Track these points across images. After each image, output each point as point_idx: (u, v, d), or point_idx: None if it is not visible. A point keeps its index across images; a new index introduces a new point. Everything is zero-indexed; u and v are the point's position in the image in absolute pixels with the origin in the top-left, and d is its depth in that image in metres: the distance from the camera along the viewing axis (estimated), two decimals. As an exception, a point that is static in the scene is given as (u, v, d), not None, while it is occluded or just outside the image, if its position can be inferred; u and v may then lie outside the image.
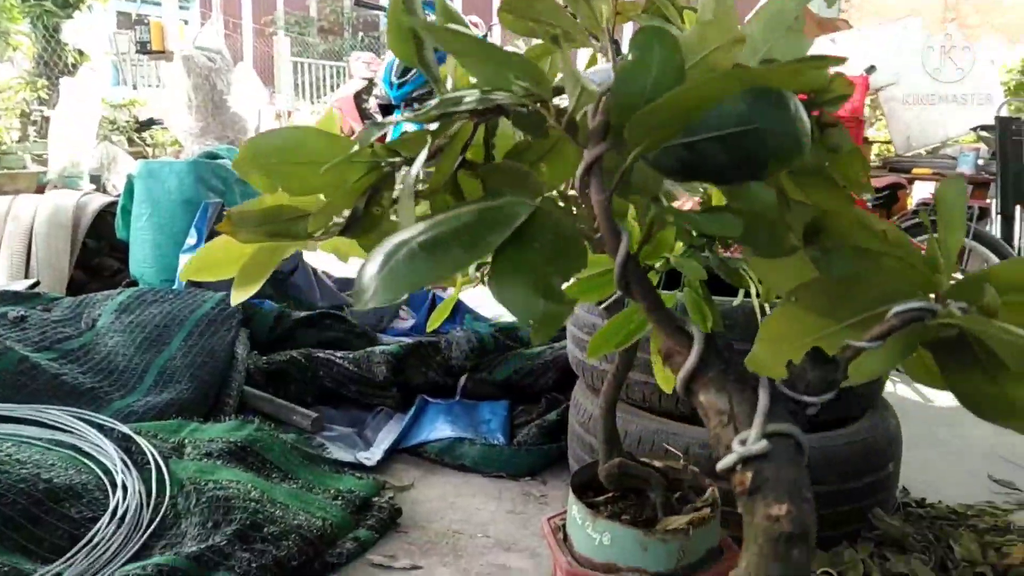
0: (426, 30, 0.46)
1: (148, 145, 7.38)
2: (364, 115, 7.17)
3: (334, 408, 2.20)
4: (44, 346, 2.10)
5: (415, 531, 1.64)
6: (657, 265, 0.96)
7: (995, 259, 3.34)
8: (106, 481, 1.58)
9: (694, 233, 0.95)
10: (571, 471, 1.81)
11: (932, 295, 0.46)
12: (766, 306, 1.12)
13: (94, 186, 5.93)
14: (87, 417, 1.79)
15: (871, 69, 3.98)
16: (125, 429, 1.76)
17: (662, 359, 0.45)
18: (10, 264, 3.10)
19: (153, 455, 1.68)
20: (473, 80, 0.53)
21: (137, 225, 2.98)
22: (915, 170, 3.80)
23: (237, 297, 0.60)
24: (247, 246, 0.56)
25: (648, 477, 1.25)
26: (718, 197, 0.61)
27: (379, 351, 2.26)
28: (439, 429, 2.02)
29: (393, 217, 0.51)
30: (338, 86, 11.89)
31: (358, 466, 1.88)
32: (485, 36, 4.73)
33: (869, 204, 3.37)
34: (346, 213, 0.51)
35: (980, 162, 3.73)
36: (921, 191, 4.09)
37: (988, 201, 3.65)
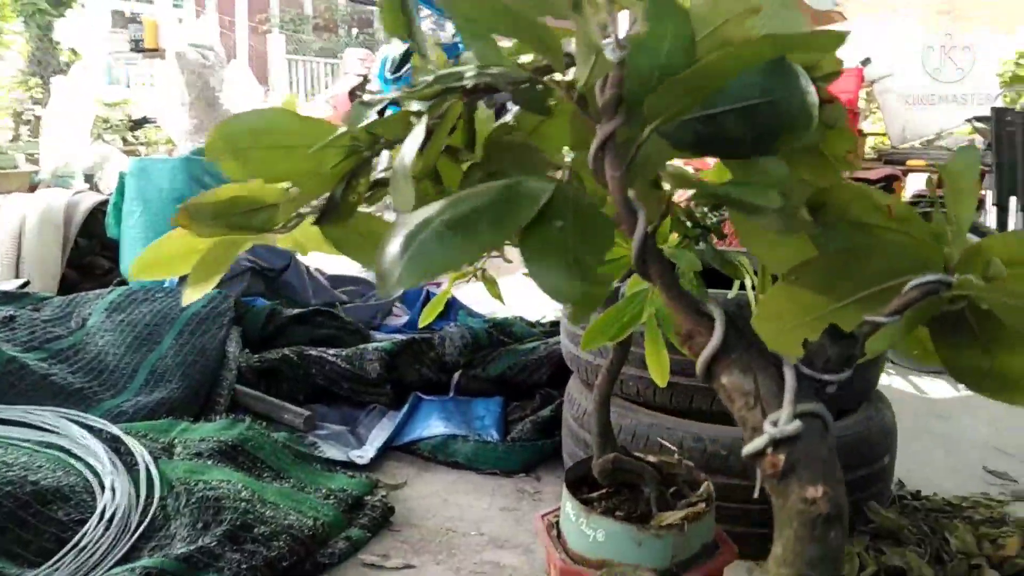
0: None
1: (142, 144, 7.36)
2: (359, 111, 7.15)
3: (327, 406, 2.18)
4: (33, 346, 2.08)
5: (408, 529, 1.63)
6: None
7: (991, 250, 3.33)
8: (94, 483, 1.56)
9: (689, 224, 0.93)
10: (565, 467, 1.80)
11: (941, 269, 0.44)
12: (762, 297, 1.10)
13: (87, 185, 5.91)
14: (76, 418, 1.78)
15: (866, 61, 3.97)
16: (114, 429, 1.74)
17: (680, 341, 0.43)
18: (0, 264, 3.08)
19: (142, 455, 1.66)
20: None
21: (128, 223, 2.96)
22: (910, 162, 3.79)
23: (191, 295, 0.57)
24: (202, 241, 0.54)
25: (642, 472, 1.24)
26: (718, 175, 0.59)
27: (372, 348, 2.25)
28: (433, 426, 2.01)
29: (364, 208, 0.49)
30: (332, 83, 11.85)
31: (350, 464, 1.87)
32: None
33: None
34: (316, 202, 0.50)
35: (975, 153, 3.72)
36: (916, 183, 4.08)
37: (983, 192, 3.64)
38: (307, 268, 2.98)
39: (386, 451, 1.95)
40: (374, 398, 2.19)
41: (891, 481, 1.64)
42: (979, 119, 3.89)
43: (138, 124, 7.49)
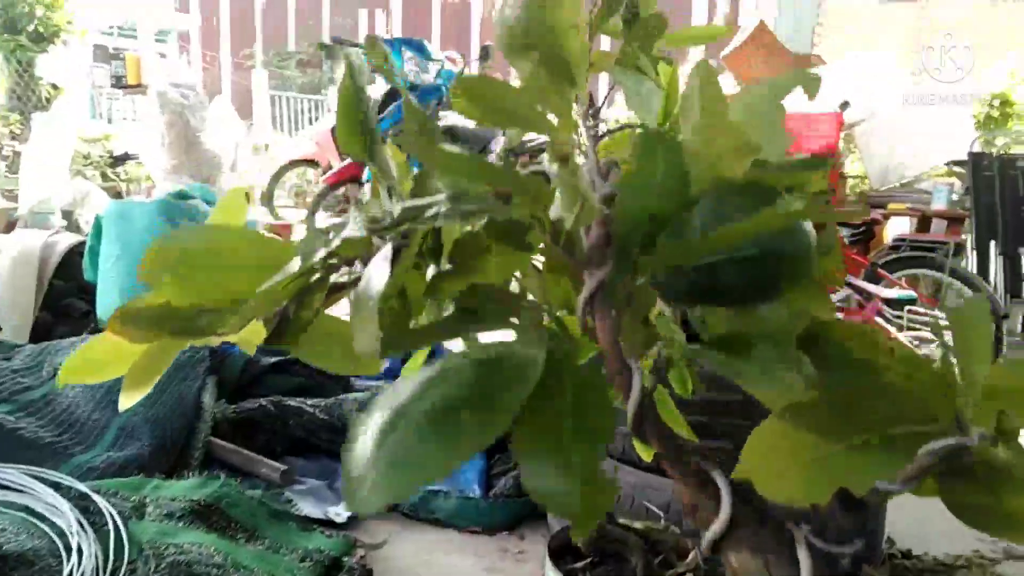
0: (406, 142, 0.40)
1: (123, 180, 7.30)
2: (342, 150, 7.15)
3: (305, 459, 2.13)
4: (2, 398, 2.02)
5: (387, 592, 1.58)
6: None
7: (970, 294, 3.35)
8: (60, 545, 1.50)
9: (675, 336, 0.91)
10: (549, 523, 1.75)
11: (947, 419, 0.42)
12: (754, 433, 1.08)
13: (65, 222, 5.84)
14: (43, 475, 1.71)
15: (845, 105, 4.01)
16: (83, 487, 1.68)
17: (684, 511, 0.40)
18: (-28, 308, 3.01)
19: (112, 515, 1.60)
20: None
21: (105, 266, 2.91)
22: (891, 205, 3.82)
23: (126, 401, 0.54)
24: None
25: (627, 541, 1.20)
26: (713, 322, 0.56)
27: (351, 398, 2.20)
28: (413, 480, 1.96)
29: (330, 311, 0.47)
30: (316, 119, 11.88)
31: (329, 522, 1.81)
32: (462, 71, 4.73)
33: (846, 240, 3.37)
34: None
35: (954, 197, 3.76)
36: (897, 226, 4.11)
37: (963, 236, 3.67)
38: (287, 313, 2.93)
39: (365, 507, 1.90)
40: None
41: (882, 540, 1.61)
42: (957, 163, 3.94)
43: (119, 160, 7.43)
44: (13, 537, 1.47)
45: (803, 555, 0.36)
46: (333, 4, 20.42)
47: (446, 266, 0.42)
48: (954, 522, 1.63)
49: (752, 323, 0.34)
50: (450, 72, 4.39)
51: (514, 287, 0.44)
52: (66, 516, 1.59)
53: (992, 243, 3.54)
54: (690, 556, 1.22)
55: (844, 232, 3.36)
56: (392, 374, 2.66)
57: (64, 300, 3.32)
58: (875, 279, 3.25)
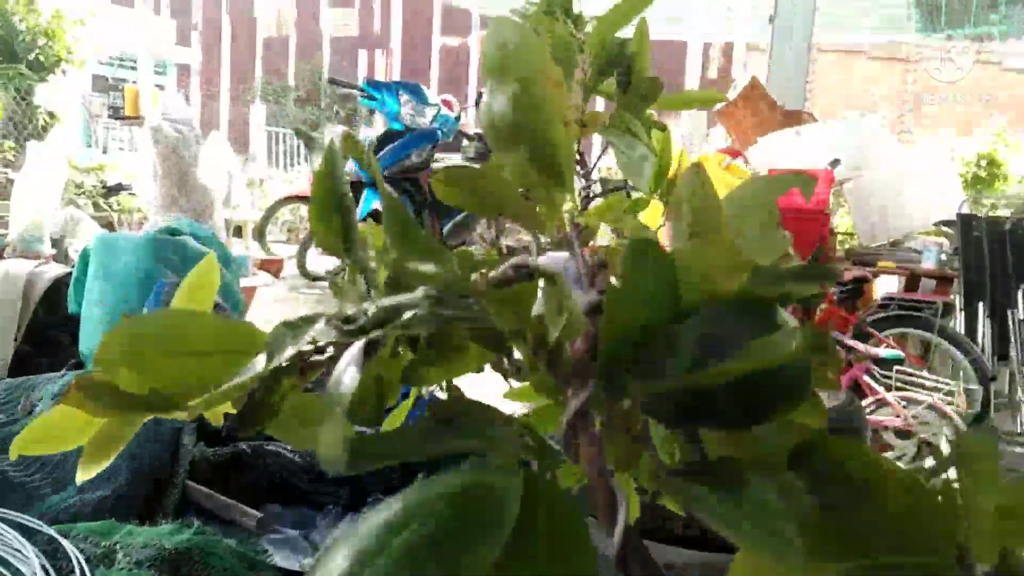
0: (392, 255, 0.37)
1: (115, 211, 7.29)
2: (335, 187, 7.17)
3: (282, 505, 2.08)
4: (-26, 434, 1.98)
5: (360, 651, 1.53)
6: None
7: (959, 355, 3.36)
8: (24, 593, 1.45)
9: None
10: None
11: (953, 548, 0.39)
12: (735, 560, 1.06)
13: (55, 251, 5.82)
14: (10, 517, 1.67)
15: (835, 162, 4.06)
16: (51, 532, 1.63)
17: None
18: (-48, 338, 2.97)
19: (79, 562, 1.56)
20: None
21: (89, 299, 2.88)
22: (880, 263, 3.84)
23: (83, 475, 0.51)
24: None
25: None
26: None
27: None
28: (392, 531, 1.91)
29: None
30: (312, 157, 11.95)
31: (303, 575, 1.77)
32: (458, 117, 4.77)
33: (835, 297, 3.38)
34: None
35: (943, 257, 3.78)
36: (886, 284, 4.13)
37: (952, 297, 3.69)
38: (272, 353, 2.90)
39: (342, 558, 1.85)
40: (331, 498, 2.10)
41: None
42: (946, 223, 3.97)
43: (112, 191, 7.43)
44: (-25, 583, 1.42)
45: None
46: (334, 43, 20.70)
47: (423, 354, 0.40)
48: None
49: (743, 444, 0.33)
50: (446, 117, 4.42)
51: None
52: (31, 562, 1.55)
53: (980, 304, 3.55)
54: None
55: (833, 289, 3.36)
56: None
57: (48, 331, 3.28)
58: (864, 337, 3.25)
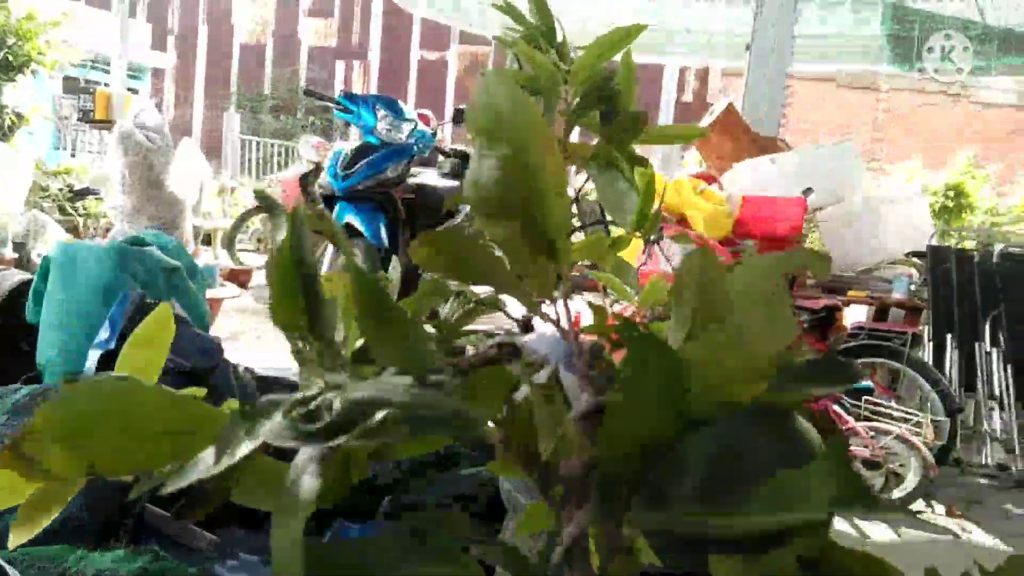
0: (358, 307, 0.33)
1: (81, 215, 7.14)
2: (309, 198, 7.11)
3: (244, 530, 2.02)
4: (-80, 450, 1.89)
5: None
6: None
7: (927, 386, 3.38)
8: (-36, 623, 1.38)
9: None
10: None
11: None
12: None
13: (16, 255, 5.67)
14: (-46, 542, 1.59)
15: (808, 191, 4.09)
16: (-3, 558, 1.56)
17: None
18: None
19: (25, 590, 1.49)
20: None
21: (50, 309, 2.80)
22: (851, 292, 3.86)
23: (16, 539, 0.46)
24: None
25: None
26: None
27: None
28: (356, 559, 1.86)
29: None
30: (285, 165, 11.85)
31: (262, 603, 1.71)
32: (435, 133, 4.73)
33: (805, 324, 3.39)
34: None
35: (913, 287, 3.82)
36: (856, 312, 4.16)
37: (921, 328, 3.72)
38: (235, 368, 2.83)
39: (303, 587, 1.79)
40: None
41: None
42: (916, 254, 4.01)
43: (79, 195, 7.28)
44: (-89, 613, 1.35)
45: None
46: (311, 53, 20.62)
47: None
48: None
49: (756, 568, 0.30)
50: (423, 132, 4.39)
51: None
52: (-25, 589, 1.48)
53: (949, 336, 3.59)
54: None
55: (803, 316, 3.37)
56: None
57: (6, 338, 3.18)
58: (834, 366, 3.25)
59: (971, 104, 17.74)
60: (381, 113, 4.14)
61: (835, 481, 0.26)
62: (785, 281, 0.31)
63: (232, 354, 2.87)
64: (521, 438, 0.30)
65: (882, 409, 3.16)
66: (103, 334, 2.43)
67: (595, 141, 0.98)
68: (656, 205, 0.88)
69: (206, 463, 0.32)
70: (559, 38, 1.02)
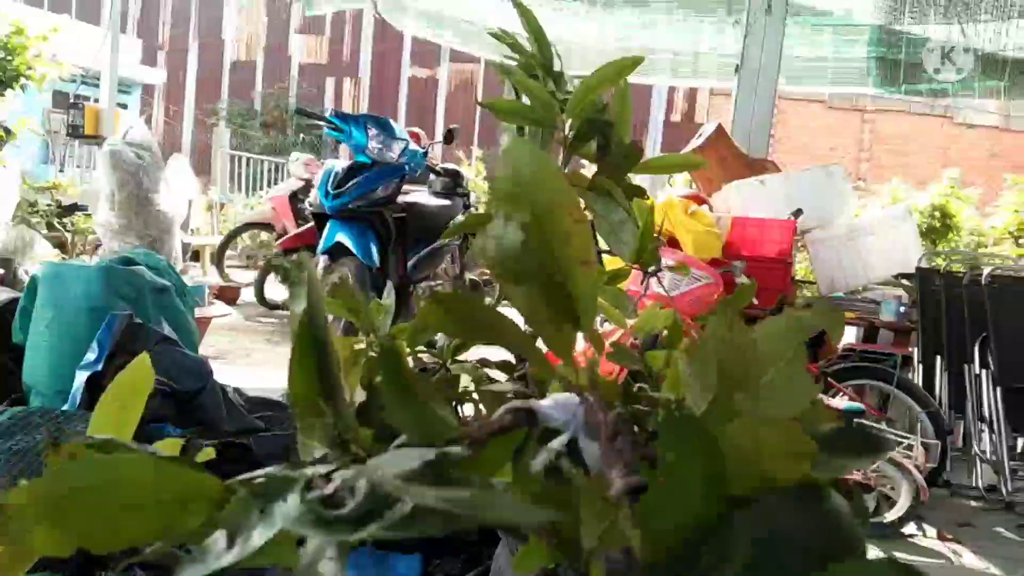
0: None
1: (69, 231, 7.10)
2: (299, 216, 7.09)
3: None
4: (-99, 473, 1.86)
5: None
6: None
7: (917, 408, 3.39)
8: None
9: None
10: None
11: None
12: None
13: (2, 271, 5.62)
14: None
15: (797, 213, 4.11)
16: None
17: None
18: None
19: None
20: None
21: (36, 329, 2.76)
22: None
23: None
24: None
25: None
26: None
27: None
28: (345, 586, 1.84)
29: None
30: (275, 181, 11.82)
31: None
32: (426, 152, 4.74)
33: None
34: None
35: (902, 309, 3.84)
36: (846, 334, 4.17)
37: (910, 349, 3.73)
38: (224, 390, 2.80)
39: (291, 614, 1.77)
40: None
41: None
42: (905, 276, 4.04)
43: (67, 210, 7.24)
44: None
45: None
46: (301, 69, 20.65)
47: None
48: None
49: None
50: (414, 152, 4.39)
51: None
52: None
53: (938, 358, 3.60)
54: None
55: (795, 338, 3.36)
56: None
57: (-9, 358, 3.13)
58: (824, 388, 3.26)
59: (954, 126, 17.95)
60: (372, 132, 4.14)
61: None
62: (803, 345, 0.30)
63: (221, 372, 2.85)
64: (564, 533, 0.29)
65: (872, 431, 3.16)
66: (91, 355, 2.40)
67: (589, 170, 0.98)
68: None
69: (218, 550, 0.31)
70: (557, 67, 1.02)
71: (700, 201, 4.28)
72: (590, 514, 0.27)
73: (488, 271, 0.35)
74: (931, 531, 3.04)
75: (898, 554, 2.80)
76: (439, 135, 5.21)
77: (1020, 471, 3.36)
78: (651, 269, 0.88)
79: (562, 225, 0.34)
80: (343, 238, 3.98)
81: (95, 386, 2.31)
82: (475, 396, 0.92)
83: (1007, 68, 6.65)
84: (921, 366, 3.62)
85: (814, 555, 0.26)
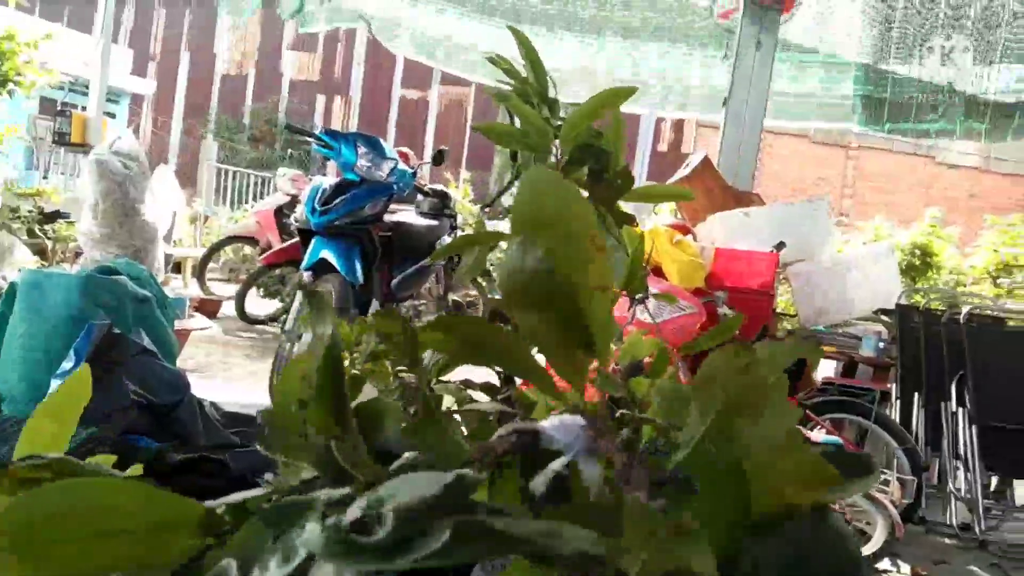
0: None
1: (49, 239, 7.03)
2: (283, 231, 7.06)
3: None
4: None
5: None
6: None
7: (894, 444, 3.41)
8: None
9: None
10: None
11: None
12: None
13: (-20, 276, 5.55)
14: None
15: (780, 245, 4.15)
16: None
17: None
18: None
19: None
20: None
21: (11, 338, 2.73)
22: (820, 346, 3.91)
23: None
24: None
25: None
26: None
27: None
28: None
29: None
30: (261, 196, 11.79)
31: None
32: (415, 172, 4.75)
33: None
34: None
35: (881, 345, 3.87)
36: (825, 368, 4.20)
37: (889, 385, 3.76)
38: (201, 403, 2.77)
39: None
40: None
41: None
42: (885, 312, 4.07)
43: (49, 218, 7.17)
44: None
45: None
46: (292, 86, 20.70)
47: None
48: None
49: None
50: (403, 171, 4.40)
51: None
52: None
53: (916, 395, 3.63)
54: None
55: (775, 370, 3.38)
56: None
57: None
58: (803, 421, 3.28)
59: (937, 165, 18.24)
60: (362, 151, 4.14)
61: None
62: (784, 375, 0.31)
63: (198, 386, 2.81)
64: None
65: (850, 466, 3.17)
66: (67, 364, 2.37)
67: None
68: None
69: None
70: (551, 94, 1.03)
71: (685, 231, 4.31)
72: (636, 539, 0.27)
73: (501, 294, 0.35)
74: (905, 567, 3.04)
75: (873, 590, 2.80)
76: (428, 156, 5.24)
77: (994, 510, 3.38)
78: (638, 296, 0.89)
79: (585, 252, 0.34)
80: (328, 254, 3.97)
81: (70, 396, 2.28)
82: (456, 417, 0.92)
83: (988, 111, 6.78)
84: (899, 402, 3.65)
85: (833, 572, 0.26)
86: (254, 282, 6.81)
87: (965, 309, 3.70)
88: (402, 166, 4.40)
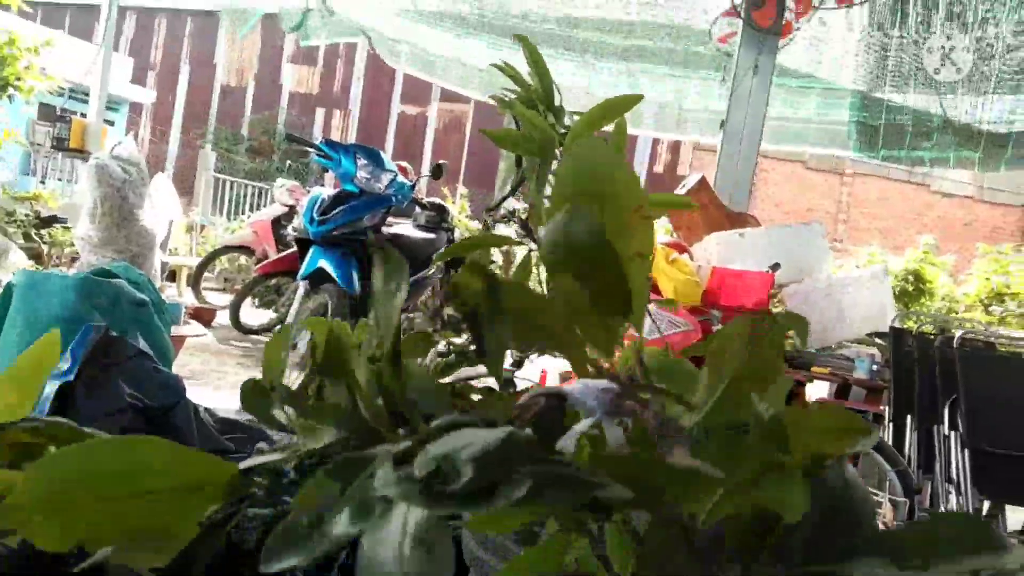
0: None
1: (46, 243, 7.02)
2: (280, 241, 7.07)
3: None
4: None
5: None
6: None
7: (886, 466, 3.41)
8: None
9: None
10: None
11: None
12: None
13: (-26, 279, 5.54)
14: None
15: (775, 266, 4.17)
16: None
17: None
18: None
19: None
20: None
21: (6, 339, 2.72)
22: (814, 368, 3.92)
23: None
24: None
25: None
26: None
27: (252, 514, 2.05)
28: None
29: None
30: (258, 206, 11.81)
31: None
32: (413, 186, 4.77)
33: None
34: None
35: (875, 368, 3.89)
36: (819, 389, 4.21)
37: (882, 408, 3.77)
38: (196, 409, 2.76)
39: (250, 641, 1.73)
40: (252, 572, 1.97)
41: None
42: (879, 335, 4.09)
43: (46, 222, 7.17)
44: None
45: None
46: (291, 98, 20.77)
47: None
48: None
49: None
50: (402, 184, 4.42)
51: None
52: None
53: (909, 417, 3.64)
54: None
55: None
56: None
57: (-46, 366, 3.07)
58: (796, 441, 3.28)
59: (931, 193, 18.39)
60: (362, 162, 4.16)
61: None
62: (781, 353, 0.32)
63: (192, 393, 2.80)
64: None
65: (842, 487, 3.17)
66: (63, 365, 2.36)
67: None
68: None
69: (340, 530, 0.31)
70: (556, 102, 1.05)
71: (681, 250, 4.34)
72: (732, 474, 0.28)
73: (543, 259, 0.36)
74: (896, 590, 3.04)
75: (863, 611, 2.80)
76: (426, 171, 5.25)
77: (985, 535, 3.37)
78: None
79: (631, 219, 0.35)
80: (325, 264, 3.98)
81: (65, 396, 2.27)
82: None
83: (981, 141, 6.85)
84: (892, 424, 3.66)
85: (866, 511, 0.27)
86: (249, 292, 6.81)
87: (958, 334, 3.72)
88: (401, 179, 4.42)
